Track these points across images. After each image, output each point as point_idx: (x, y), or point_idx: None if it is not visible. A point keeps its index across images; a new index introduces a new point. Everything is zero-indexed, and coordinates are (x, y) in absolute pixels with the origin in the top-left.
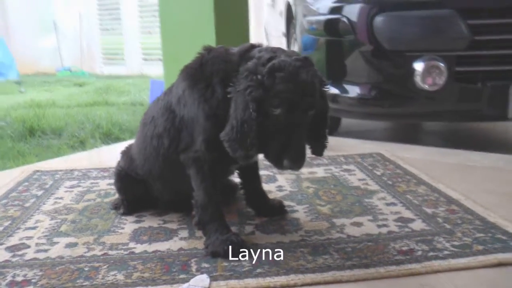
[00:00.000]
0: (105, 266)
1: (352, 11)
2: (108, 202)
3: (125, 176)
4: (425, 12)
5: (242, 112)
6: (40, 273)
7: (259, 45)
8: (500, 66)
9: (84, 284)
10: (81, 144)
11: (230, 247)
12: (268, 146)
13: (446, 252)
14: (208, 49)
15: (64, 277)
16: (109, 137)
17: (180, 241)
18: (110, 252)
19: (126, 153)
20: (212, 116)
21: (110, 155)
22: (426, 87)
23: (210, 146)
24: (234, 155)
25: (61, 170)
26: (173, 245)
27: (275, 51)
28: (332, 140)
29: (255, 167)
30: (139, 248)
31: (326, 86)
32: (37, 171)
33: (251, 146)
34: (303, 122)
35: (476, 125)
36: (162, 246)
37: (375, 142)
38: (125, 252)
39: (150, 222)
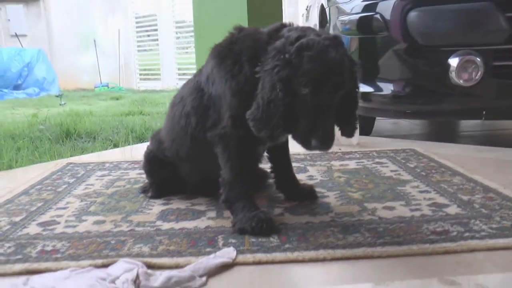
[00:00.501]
0: (131, 240)
1: (386, 8)
2: (138, 188)
3: (153, 158)
4: (461, 5)
5: (269, 91)
6: (68, 244)
7: (289, 25)
8: None
9: (109, 254)
10: (114, 147)
11: (258, 223)
12: (296, 126)
13: (483, 233)
14: (238, 29)
15: (90, 248)
16: (142, 141)
17: (208, 220)
18: (136, 229)
19: (155, 136)
20: (239, 92)
21: (143, 150)
22: (461, 82)
23: (236, 123)
24: (258, 134)
25: (93, 163)
26: (200, 223)
27: (305, 30)
28: (364, 139)
29: (285, 149)
30: (165, 225)
31: (356, 66)
32: (71, 163)
33: (277, 127)
34: (332, 102)
35: None
36: (189, 224)
37: (408, 141)
38: (152, 229)
39: (178, 204)
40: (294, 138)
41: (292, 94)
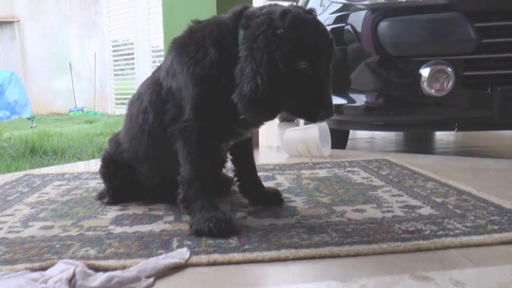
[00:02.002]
0: (78, 244)
1: (356, 19)
2: (94, 195)
3: (111, 161)
4: (430, 15)
5: (268, 68)
6: (5, 249)
7: (250, 6)
8: (511, 69)
9: (51, 257)
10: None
11: (216, 224)
12: (298, 101)
13: (457, 231)
14: (196, 21)
15: (31, 252)
16: None
17: (164, 224)
18: (86, 233)
19: (113, 138)
20: (204, 79)
21: None
22: (433, 92)
23: (199, 114)
24: (256, 117)
25: (52, 174)
26: (155, 227)
27: (278, 5)
28: (336, 151)
29: (248, 151)
30: (118, 229)
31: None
32: (28, 174)
33: (279, 105)
34: (328, 72)
35: (488, 135)
36: (144, 228)
37: (382, 153)
38: (103, 233)
39: (135, 209)
40: (296, 113)
41: (289, 69)
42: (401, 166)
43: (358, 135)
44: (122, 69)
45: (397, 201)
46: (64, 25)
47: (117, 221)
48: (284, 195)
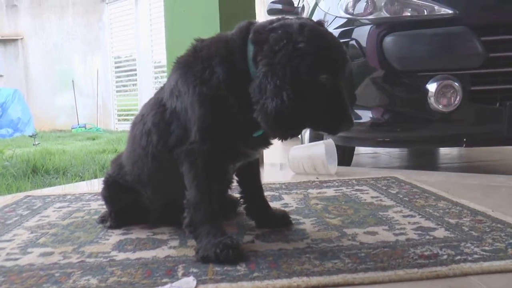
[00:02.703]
0: (78, 272)
1: (361, 34)
2: (96, 218)
3: (113, 184)
4: (436, 29)
5: (292, 84)
6: (2, 279)
7: (255, 22)
8: None
9: (50, 287)
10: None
11: (223, 250)
12: (320, 115)
13: (476, 256)
14: (200, 40)
15: (29, 281)
16: None
17: (169, 249)
18: (87, 260)
19: (116, 161)
20: (212, 99)
21: None
22: (440, 108)
23: (206, 135)
24: (281, 134)
25: (53, 195)
26: (160, 253)
27: (288, 19)
28: (343, 168)
29: (255, 172)
30: (121, 256)
31: None
32: (28, 196)
33: (304, 121)
34: (345, 85)
35: (494, 149)
36: (148, 254)
37: (389, 169)
38: (105, 260)
39: (139, 234)
40: (318, 127)
41: (313, 83)
42: (410, 184)
43: (362, 150)
44: (124, 85)
45: (409, 223)
46: (67, 42)
47: (119, 246)
48: (292, 216)
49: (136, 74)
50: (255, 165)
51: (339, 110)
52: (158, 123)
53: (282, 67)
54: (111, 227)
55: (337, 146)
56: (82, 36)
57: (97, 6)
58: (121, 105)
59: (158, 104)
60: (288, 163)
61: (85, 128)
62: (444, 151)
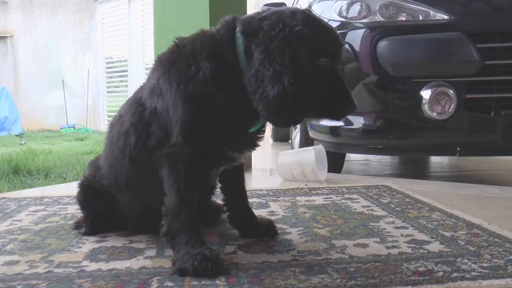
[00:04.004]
0: (43, 284)
1: (355, 38)
2: (71, 223)
3: (89, 188)
4: (432, 35)
5: (292, 68)
6: None
7: (240, 16)
8: None
9: None
10: None
11: (202, 262)
12: (322, 101)
13: (474, 274)
14: (181, 37)
15: None
16: None
17: (145, 259)
18: (55, 270)
19: (93, 163)
20: (197, 96)
21: None
22: (434, 115)
23: (189, 137)
24: (284, 122)
25: (30, 197)
26: (134, 263)
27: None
28: (333, 176)
29: (239, 178)
30: (92, 266)
31: None
32: (3, 198)
33: (308, 105)
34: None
35: (485, 159)
36: (122, 264)
37: (380, 177)
38: (74, 270)
39: (114, 241)
40: (322, 113)
41: (313, 67)
42: (402, 193)
43: (353, 157)
44: (116, 86)
45: (402, 235)
46: (58, 40)
47: (92, 255)
48: (278, 225)
49: (127, 75)
50: (239, 170)
51: (341, 94)
52: (137, 123)
53: (280, 51)
54: (85, 234)
55: (328, 153)
56: (74, 35)
57: (89, 5)
58: (111, 106)
59: (136, 103)
60: (277, 169)
61: (74, 129)
62: (435, 159)
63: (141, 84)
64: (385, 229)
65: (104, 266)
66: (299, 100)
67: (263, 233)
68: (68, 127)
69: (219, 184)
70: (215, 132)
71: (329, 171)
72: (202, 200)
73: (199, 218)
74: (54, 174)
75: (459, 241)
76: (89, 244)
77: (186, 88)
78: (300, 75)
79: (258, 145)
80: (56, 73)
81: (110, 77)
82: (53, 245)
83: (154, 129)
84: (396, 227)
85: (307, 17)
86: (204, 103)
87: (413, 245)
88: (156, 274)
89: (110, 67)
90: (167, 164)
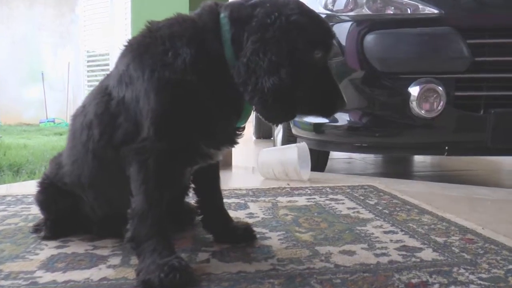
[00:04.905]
0: None
1: (341, 31)
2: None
3: (50, 187)
4: (421, 29)
5: (289, 59)
6: None
7: (222, 2)
8: (505, 91)
9: None
10: None
11: (169, 274)
12: (314, 95)
13: (473, 286)
14: (154, 21)
15: None
16: None
17: (107, 269)
18: (3, 283)
19: (55, 159)
20: (174, 84)
21: None
22: (422, 113)
23: (162, 131)
24: (278, 117)
25: None
26: (95, 274)
27: None
28: (316, 174)
29: (215, 178)
30: (46, 277)
31: None
32: None
33: (304, 100)
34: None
35: (468, 158)
36: (80, 275)
37: (366, 177)
38: (24, 283)
39: (76, 247)
40: (313, 109)
41: (308, 59)
42: (389, 194)
43: (336, 155)
44: (97, 80)
45: (391, 240)
46: (37, 32)
47: (49, 264)
48: (257, 229)
49: (109, 69)
50: (215, 169)
51: (332, 89)
52: (101, 114)
53: (276, 41)
54: (45, 238)
55: (311, 151)
56: (54, 27)
57: None
58: None
59: (102, 93)
60: (258, 167)
61: (54, 123)
62: (419, 158)
63: (108, 74)
64: (373, 234)
65: (60, 277)
66: (295, 94)
67: (240, 238)
68: (48, 121)
69: (193, 184)
70: (191, 125)
71: (312, 169)
72: (175, 201)
73: (170, 221)
74: (26, 170)
75: (453, 248)
76: (48, 250)
77: (162, 75)
78: (297, 68)
79: (237, 142)
80: (35, 66)
81: (91, 71)
82: (6, 252)
83: (121, 121)
84: (385, 232)
85: (301, 6)
86: (181, 92)
87: (404, 253)
88: (118, 286)
89: (91, 61)
90: (135, 160)
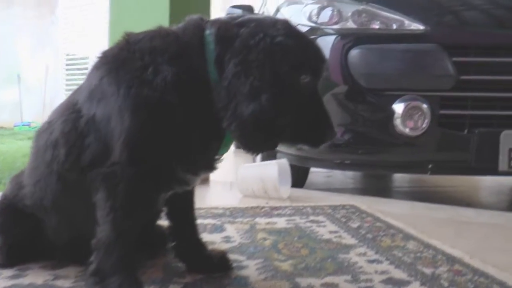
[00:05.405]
0: None
1: (324, 44)
2: None
3: (8, 208)
4: (407, 45)
5: (272, 85)
6: None
7: (207, 18)
8: (490, 110)
9: None
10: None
11: None
12: (301, 123)
13: None
14: (131, 33)
15: None
16: None
17: None
18: None
19: (16, 179)
20: (152, 104)
21: None
22: (407, 131)
23: (135, 154)
24: (258, 147)
25: None
26: None
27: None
28: (297, 192)
29: (190, 202)
30: None
31: None
32: None
33: (287, 129)
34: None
35: (461, 180)
36: None
37: (347, 195)
38: None
39: (35, 277)
40: (299, 138)
41: (294, 84)
42: (372, 216)
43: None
44: (76, 84)
45: (376, 271)
46: (15, 34)
47: None
48: (234, 256)
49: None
50: (190, 193)
51: (321, 117)
52: (68, 133)
53: (259, 64)
54: (1, 266)
55: (292, 166)
56: (33, 29)
57: None
58: None
59: (70, 109)
60: (237, 184)
61: (30, 127)
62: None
63: (78, 86)
64: (356, 262)
65: None
66: (277, 122)
67: (215, 268)
68: (23, 125)
69: (165, 209)
70: (168, 150)
71: (292, 184)
72: (147, 226)
73: (140, 247)
74: None
75: (441, 281)
76: (1, 281)
77: (139, 92)
78: (280, 93)
79: (216, 168)
80: (11, 68)
81: (70, 74)
82: None
83: (90, 141)
84: (369, 261)
85: (289, 27)
86: (159, 113)
87: (390, 286)
88: None
89: (71, 64)
90: (104, 186)
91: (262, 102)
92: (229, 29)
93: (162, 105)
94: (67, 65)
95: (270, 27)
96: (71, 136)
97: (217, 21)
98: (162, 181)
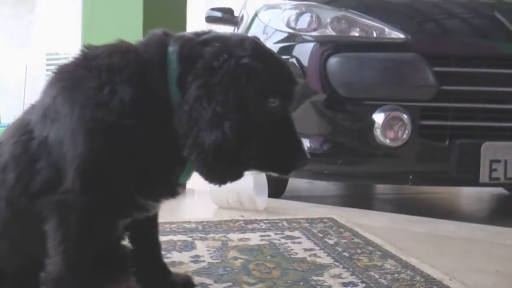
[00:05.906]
0: None
1: (303, 51)
2: None
3: None
4: (386, 54)
5: (236, 111)
6: None
7: (172, 33)
8: (471, 121)
9: None
10: None
11: None
12: (268, 151)
13: None
14: (91, 46)
15: None
16: None
17: None
18: None
19: None
20: (107, 128)
21: None
22: (387, 142)
23: (89, 181)
24: (220, 178)
25: None
26: None
27: (218, 32)
28: (274, 203)
29: (154, 224)
30: None
31: None
32: None
33: (252, 158)
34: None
35: (441, 190)
36: None
37: (326, 206)
38: None
39: None
40: (266, 166)
41: (261, 109)
42: (350, 230)
43: None
44: None
45: None
46: None
47: None
48: (201, 279)
49: None
50: (154, 216)
51: (291, 144)
52: (19, 156)
53: (222, 89)
54: None
55: (269, 175)
56: (10, 28)
57: None
58: None
59: (22, 130)
60: (210, 195)
61: None
62: None
63: (32, 105)
64: (330, 286)
65: None
66: (241, 151)
67: None
68: (1, 127)
69: (127, 232)
70: (126, 177)
71: (270, 195)
72: (108, 249)
73: (99, 270)
74: None
75: None
76: None
77: (94, 115)
78: (245, 120)
79: (179, 193)
80: None
81: (49, 70)
82: None
83: (41, 166)
84: (344, 284)
85: (256, 47)
86: (115, 137)
87: None
88: None
89: (51, 64)
90: (55, 215)
91: (224, 130)
92: (193, 47)
93: (118, 129)
94: (47, 64)
95: (236, 47)
96: (22, 159)
97: (181, 38)
98: (120, 209)
